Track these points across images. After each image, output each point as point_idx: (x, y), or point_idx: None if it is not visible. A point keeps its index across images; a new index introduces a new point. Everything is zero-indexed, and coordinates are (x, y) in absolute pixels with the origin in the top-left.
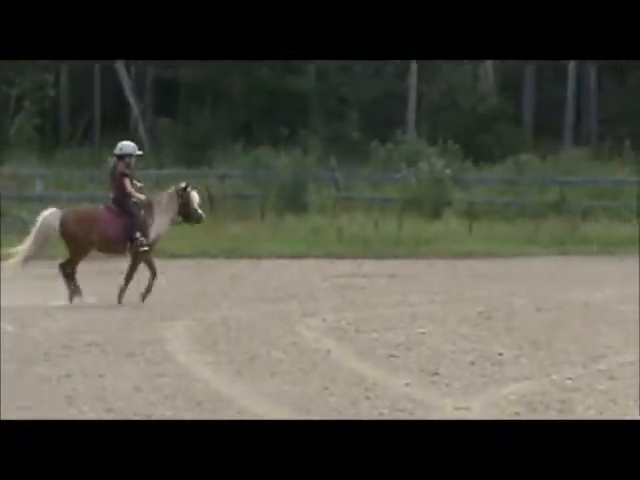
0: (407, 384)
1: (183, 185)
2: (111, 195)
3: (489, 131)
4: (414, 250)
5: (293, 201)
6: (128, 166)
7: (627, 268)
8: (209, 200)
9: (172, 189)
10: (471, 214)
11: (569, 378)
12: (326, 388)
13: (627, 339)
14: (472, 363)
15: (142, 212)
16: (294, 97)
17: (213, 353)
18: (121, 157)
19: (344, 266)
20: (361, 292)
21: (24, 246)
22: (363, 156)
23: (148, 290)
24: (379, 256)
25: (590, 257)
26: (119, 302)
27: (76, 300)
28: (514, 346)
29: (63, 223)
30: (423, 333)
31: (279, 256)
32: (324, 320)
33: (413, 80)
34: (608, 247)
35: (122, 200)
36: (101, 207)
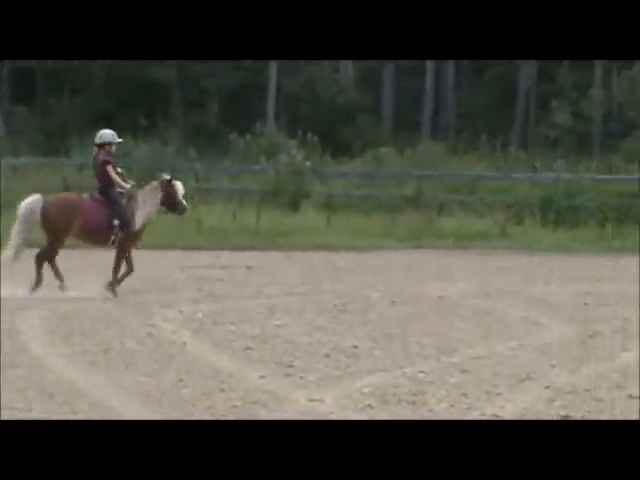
0: (262, 376)
1: (168, 177)
2: (97, 185)
3: (348, 124)
4: (272, 242)
5: None
6: (109, 154)
7: (481, 262)
8: (65, 191)
9: (157, 181)
10: (329, 207)
11: (422, 371)
12: (181, 380)
13: (480, 333)
14: (327, 355)
15: (126, 202)
16: (155, 87)
17: (67, 344)
18: (101, 145)
19: (202, 257)
20: (219, 284)
21: (12, 240)
22: (223, 148)
23: (118, 281)
24: (237, 248)
25: (445, 251)
26: (114, 294)
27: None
28: (369, 339)
29: (44, 209)
30: (279, 325)
31: (136, 247)
32: (181, 312)
33: (273, 72)
34: (463, 241)
35: (108, 190)
36: (86, 196)
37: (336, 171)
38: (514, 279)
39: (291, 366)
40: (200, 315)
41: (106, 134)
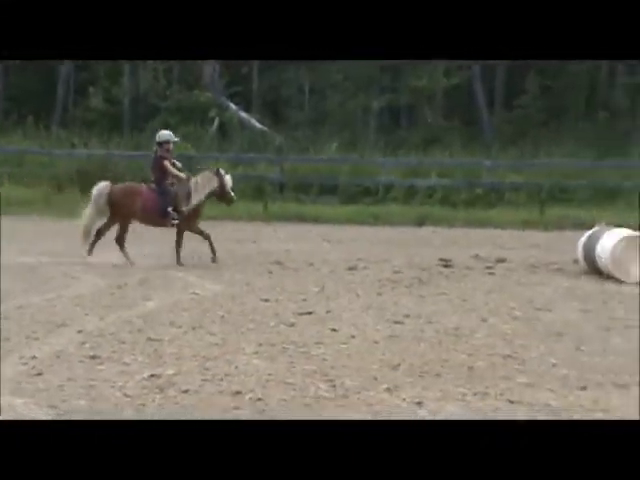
0: None
1: (217, 168)
2: (152, 177)
3: None
4: None
5: None
6: (168, 151)
7: (27, 227)
8: None
9: (208, 171)
10: None
11: None
12: None
13: (23, 286)
14: None
15: (177, 191)
16: None
17: None
18: (160, 144)
19: None
20: None
21: (83, 218)
22: None
23: (213, 251)
24: None
25: None
26: (179, 264)
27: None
28: None
29: (111, 194)
30: None
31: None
32: None
33: None
34: (10, 207)
35: (160, 181)
36: (143, 185)
37: None
38: (58, 242)
39: None
40: None
41: (164, 134)
